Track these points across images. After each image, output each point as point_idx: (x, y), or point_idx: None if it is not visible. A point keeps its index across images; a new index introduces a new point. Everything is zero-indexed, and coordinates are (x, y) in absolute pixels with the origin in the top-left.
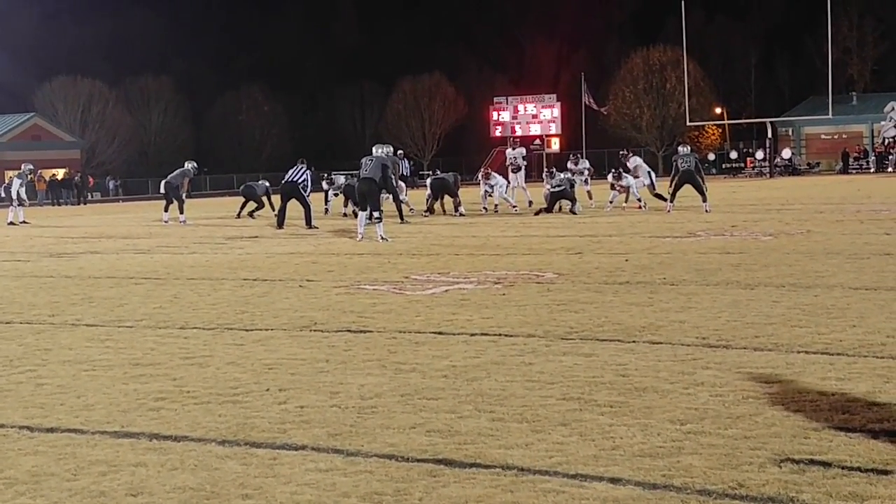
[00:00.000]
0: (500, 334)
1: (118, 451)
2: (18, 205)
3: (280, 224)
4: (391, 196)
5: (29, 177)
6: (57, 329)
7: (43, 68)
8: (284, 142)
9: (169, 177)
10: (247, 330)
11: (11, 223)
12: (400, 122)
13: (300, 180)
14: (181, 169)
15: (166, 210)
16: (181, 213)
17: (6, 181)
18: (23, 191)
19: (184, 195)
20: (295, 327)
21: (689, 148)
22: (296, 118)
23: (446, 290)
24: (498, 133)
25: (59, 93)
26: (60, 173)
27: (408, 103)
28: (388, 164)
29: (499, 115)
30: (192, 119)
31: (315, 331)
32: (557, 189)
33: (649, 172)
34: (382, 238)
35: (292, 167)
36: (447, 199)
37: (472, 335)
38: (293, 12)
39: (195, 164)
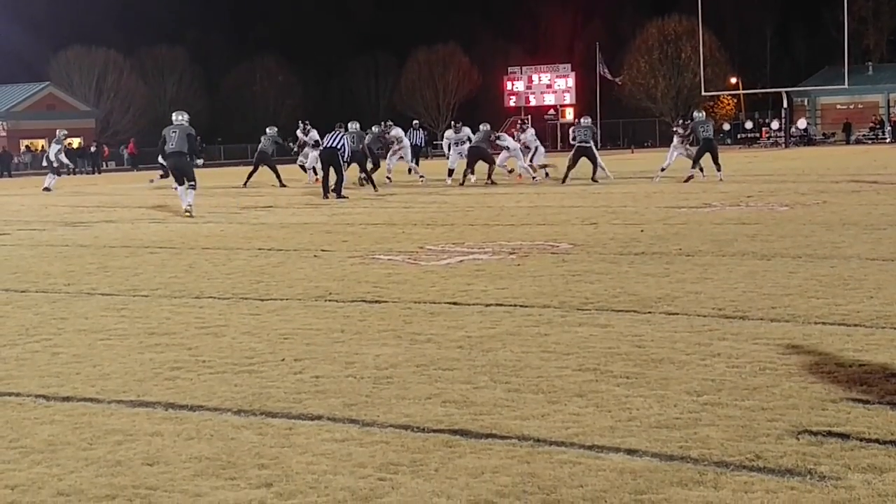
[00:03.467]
0: (515, 305)
1: (134, 421)
2: (57, 169)
3: (326, 193)
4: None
5: (64, 142)
6: (72, 298)
7: (58, 38)
8: (299, 112)
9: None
10: (262, 300)
11: (48, 189)
12: (414, 92)
13: (339, 146)
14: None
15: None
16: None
17: (22, 150)
18: (62, 156)
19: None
20: (310, 297)
21: (704, 114)
22: (310, 88)
23: (461, 261)
24: (512, 103)
25: (73, 62)
26: (76, 142)
27: (422, 74)
28: (192, 132)
29: (513, 85)
30: (207, 89)
31: (330, 301)
32: (584, 145)
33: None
34: (187, 210)
35: (330, 132)
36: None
37: (488, 306)
38: None
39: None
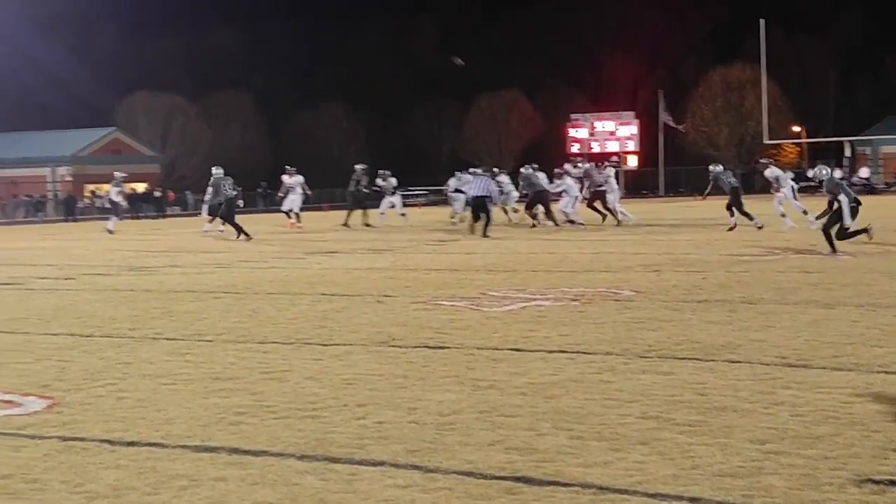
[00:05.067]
0: (577, 352)
1: (199, 466)
2: (117, 210)
3: (480, 234)
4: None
5: (124, 185)
6: (137, 343)
7: (124, 83)
8: (363, 158)
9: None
10: (325, 345)
11: (111, 231)
12: (477, 138)
13: (489, 192)
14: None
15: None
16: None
17: (88, 195)
18: (120, 197)
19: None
20: (373, 343)
21: (721, 166)
22: (374, 134)
23: (523, 307)
24: (575, 150)
25: (139, 107)
26: (141, 187)
27: (485, 120)
28: None
29: (576, 131)
30: (271, 135)
31: (393, 346)
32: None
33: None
34: None
35: (473, 180)
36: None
37: (550, 352)
38: (373, 29)
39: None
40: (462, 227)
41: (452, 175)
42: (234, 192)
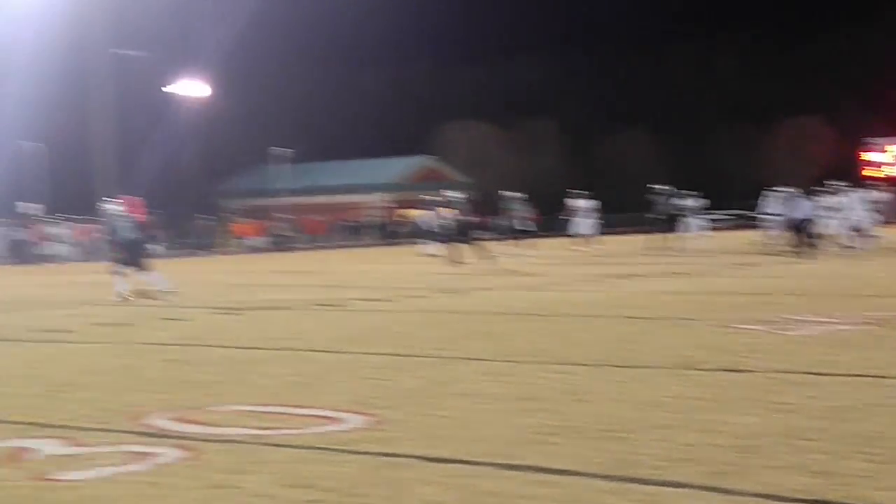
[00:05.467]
0: (878, 376)
1: (507, 484)
2: (436, 236)
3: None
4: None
5: (438, 210)
6: (450, 363)
7: (438, 112)
8: (666, 181)
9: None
10: (626, 367)
11: (434, 255)
12: (775, 162)
13: (809, 216)
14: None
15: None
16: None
17: (401, 218)
18: (439, 223)
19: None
20: (673, 365)
21: None
22: (680, 159)
23: (823, 330)
24: (872, 174)
25: (453, 135)
26: (455, 213)
27: (784, 144)
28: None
29: (873, 155)
30: (576, 160)
31: (693, 369)
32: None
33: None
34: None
35: (797, 202)
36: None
37: (850, 376)
38: (675, 53)
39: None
40: (769, 250)
41: (759, 197)
42: (468, 217)
